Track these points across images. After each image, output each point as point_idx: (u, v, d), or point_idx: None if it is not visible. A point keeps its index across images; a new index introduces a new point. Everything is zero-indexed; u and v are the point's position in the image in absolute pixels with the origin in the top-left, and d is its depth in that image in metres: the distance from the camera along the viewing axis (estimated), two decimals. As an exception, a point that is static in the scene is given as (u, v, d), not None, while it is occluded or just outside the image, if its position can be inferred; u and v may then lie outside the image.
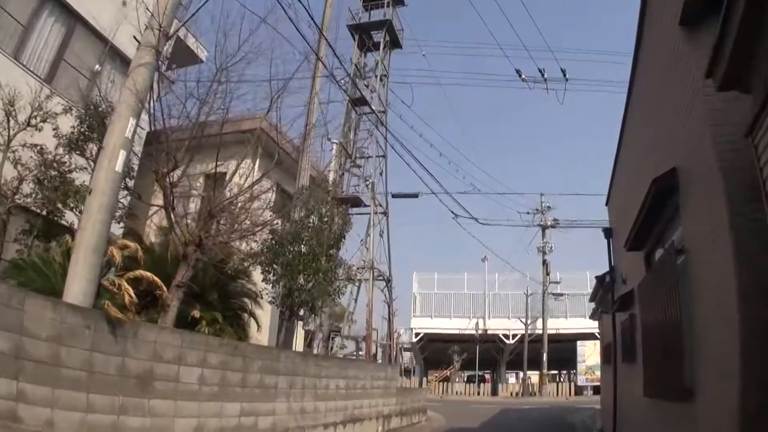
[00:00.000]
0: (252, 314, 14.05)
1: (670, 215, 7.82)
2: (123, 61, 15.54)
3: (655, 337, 8.20)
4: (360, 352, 57.78)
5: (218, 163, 12.75)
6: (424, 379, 53.01)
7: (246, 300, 14.27)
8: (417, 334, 52.60)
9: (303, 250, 14.42)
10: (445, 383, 51.77)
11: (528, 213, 48.01)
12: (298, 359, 13.29)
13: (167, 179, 11.17)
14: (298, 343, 22.27)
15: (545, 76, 28.13)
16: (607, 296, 15.42)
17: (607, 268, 15.41)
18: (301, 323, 17.21)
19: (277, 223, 14.92)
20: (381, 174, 26.04)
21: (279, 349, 13.81)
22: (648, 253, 9.69)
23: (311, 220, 14.85)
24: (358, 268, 23.59)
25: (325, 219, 15.02)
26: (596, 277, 16.08)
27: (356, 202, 24.26)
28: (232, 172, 12.84)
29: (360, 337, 40.62)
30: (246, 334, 13.74)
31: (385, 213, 26.10)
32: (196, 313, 11.89)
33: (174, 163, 11.50)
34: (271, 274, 14.31)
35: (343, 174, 26.02)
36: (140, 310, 11.49)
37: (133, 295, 9.03)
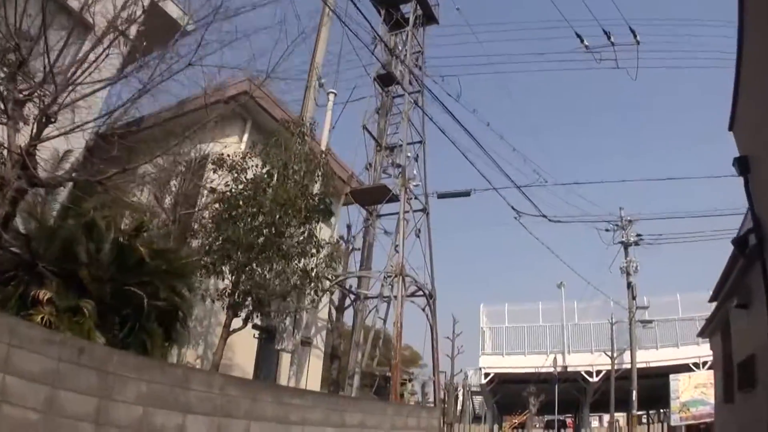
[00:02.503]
0: (168, 313, 8.93)
1: None
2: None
3: None
4: (427, 397, 52.46)
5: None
6: (496, 426, 46.52)
7: (174, 297, 9.25)
8: (487, 375, 46.66)
9: (259, 221, 9.48)
10: (522, 430, 45.24)
11: (607, 230, 41.26)
12: (235, 389, 8.10)
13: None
14: (313, 380, 17.12)
15: (612, 39, 22.29)
16: (748, 274, 9.60)
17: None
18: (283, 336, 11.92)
19: (227, 184, 10.14)
20: (416, 160, 20.87)
21: (189, 368, 8.73)
22: None
23: (274, 176, 9.90)
24: (386, 276, 18.36)
25: (297, 173, 10.00)
26: (733, 242, 10.11)
27: (383, 192, 19.07)
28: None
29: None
30: (161, 344, 8.65)
31: (424, 210, 20.74)
32: (41, 294, 7.23)
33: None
34: (213, 256, 9.41)
35: (370, 166, 21.00)
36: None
37: None
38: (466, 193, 24.38)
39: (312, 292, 10.83)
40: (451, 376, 48.37)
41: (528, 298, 75.14)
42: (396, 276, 17.51)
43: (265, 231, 9.54)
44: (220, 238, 9.94)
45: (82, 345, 6.43)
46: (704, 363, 36.62)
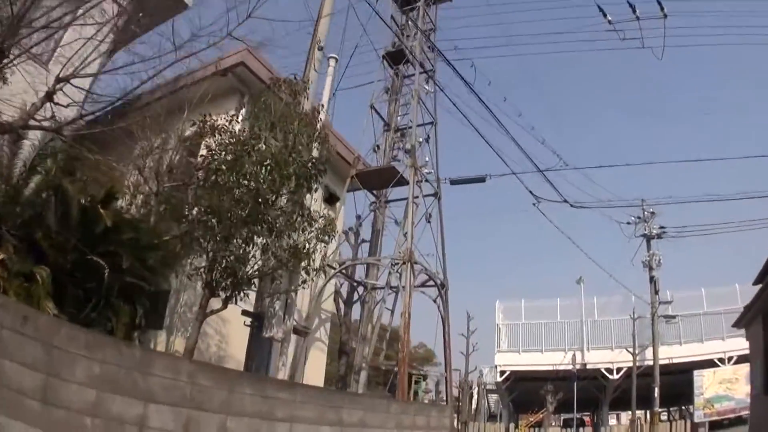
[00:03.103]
0: (139, 289, 8.01)
1: None
2: None
3: None
4: (441, 395, 51.40)
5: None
6: (512, 425, 45.35)
7: (144, 271, 8.36)
8: (502, 372, 45.63)
9: (243, 186, 8.56)
10: (538, 429, 44.12)
11: (628, 223, 39.93)
12: (207, 379, 7.06)
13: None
14: (313, 375, 16.13)
15: (637, 13, 20.95)
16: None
17: None
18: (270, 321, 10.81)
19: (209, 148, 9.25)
20: (427, 141, 19.78)
21: (151, 351, 7.83)
22: None
23: (262, 138, 8.94)
24: (394, 263, 17.34)
25: (287, 136, 9.04)
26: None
27: (391, 174, 17.96)
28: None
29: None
30: (129, 323, 7.73)
31: (435, 194, 19.62)
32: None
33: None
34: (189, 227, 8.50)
35: (378, 148, 19.97)
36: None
37: None
38: (481, 179, 23.05)
39: (303, 272, 9.82)
40: (465, 373, 47.30)
41: (545, 295, 73.47)
42: (404, 263, 16.47)
43: (248, 200, 8.53)
44: (201, 209, 8.99)
45: (26, 312, 5.56)
46: (729, 358, 35.52)
